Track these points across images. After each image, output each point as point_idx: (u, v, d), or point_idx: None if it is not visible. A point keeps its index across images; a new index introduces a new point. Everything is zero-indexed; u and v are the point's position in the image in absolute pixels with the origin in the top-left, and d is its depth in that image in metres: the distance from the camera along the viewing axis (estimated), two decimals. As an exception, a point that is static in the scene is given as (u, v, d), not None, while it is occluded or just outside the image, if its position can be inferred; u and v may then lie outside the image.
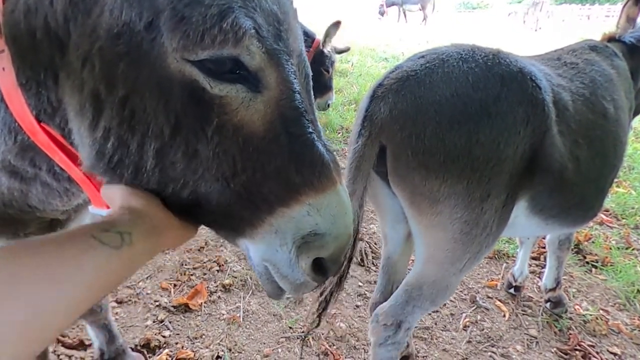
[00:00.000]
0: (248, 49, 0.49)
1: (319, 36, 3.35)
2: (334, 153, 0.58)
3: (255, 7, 0.50)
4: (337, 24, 3.27)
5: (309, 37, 3.36)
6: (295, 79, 0.54)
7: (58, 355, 1.53)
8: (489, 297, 2.05)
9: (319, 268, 0.56)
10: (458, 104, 1.03)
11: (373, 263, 2.22)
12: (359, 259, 2.23)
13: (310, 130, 0.54)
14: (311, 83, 0.61)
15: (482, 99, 1.04)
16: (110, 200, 0.55)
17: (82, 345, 1.59)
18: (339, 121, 4.27)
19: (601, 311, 1.99)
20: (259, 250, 0.56)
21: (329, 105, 3.61)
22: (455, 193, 1.05)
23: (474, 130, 1.02)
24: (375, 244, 2.36)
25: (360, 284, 2.07)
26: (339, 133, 4.10)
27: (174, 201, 0.56)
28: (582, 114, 1.24)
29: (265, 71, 0.52)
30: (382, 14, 18.10)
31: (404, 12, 17.60)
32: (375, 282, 2.09)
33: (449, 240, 1.11)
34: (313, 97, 0.61)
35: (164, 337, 1.65)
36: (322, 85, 3.49)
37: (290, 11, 0.56)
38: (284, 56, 0.53)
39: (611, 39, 1.60)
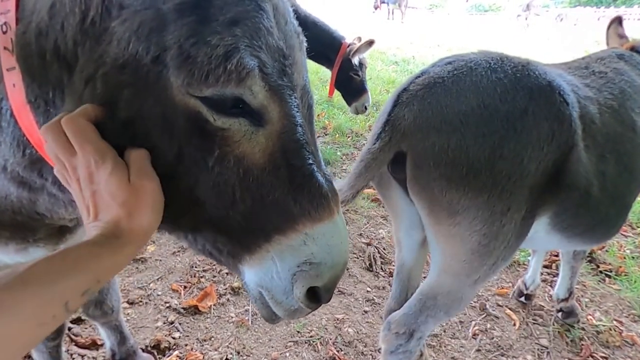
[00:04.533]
0: (250, 89, 0.50)
1: (347, 40, 3.35)
2: (333, 182, 0.59)
3: (261, 45, 0.50)
4: (370, 43, 3.31)
5: (336, 40, 3.33)
6: (298, 112, 0.55)
7: (71, 355, 1.56)
8: (499, 305, 2.03)
9: (313, 296, 0.57)
10: (484, 115, 1.01)
11: (382, 268, 2.22)
12: (367, 264, 2.23)
13: (311, 161, 0.55)
14: (314, 114, 0.62)
15: (509, 112, 1.01)
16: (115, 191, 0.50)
17: (94, 345, 1.62)
18: (348, 125, 4.28)
19: (615, 322, 1.95)
20: (255, 276, 0.57)
21: (366, 108, 3.56)
22: (475, 206, 1.03)
23: (499, 145, 1.00)
24: (384, 249, 2.35)
25: (368, 289, 2.07)
26: (349, 137, 4.11)
27: (173, 226, 0.58)
28: (610, 126, 1.20)
29: (267, 107, 0.53)
30: (376, 7, 19.15)
31: (392, 10, 18.83)
32: (384, 287, 2.08)
33: (466, 251, 1.09)
34: (315, 126, 0.62)
35: (174, 338, 1.67)
36: (355, 89, 3.45)
37: (296, 44, 0.57)
38: (287, 91, 0.54)
39: (632, 48, 1.56)
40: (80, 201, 0.53)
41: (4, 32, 0.54)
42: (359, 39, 3.43)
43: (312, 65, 3.82)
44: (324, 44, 3.31)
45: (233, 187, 0.53)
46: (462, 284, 1.17)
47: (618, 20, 1.72)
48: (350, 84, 3.44)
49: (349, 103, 3.60)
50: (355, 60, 3.34)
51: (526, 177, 1.02)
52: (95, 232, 0.49)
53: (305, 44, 0.61)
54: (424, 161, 1.05)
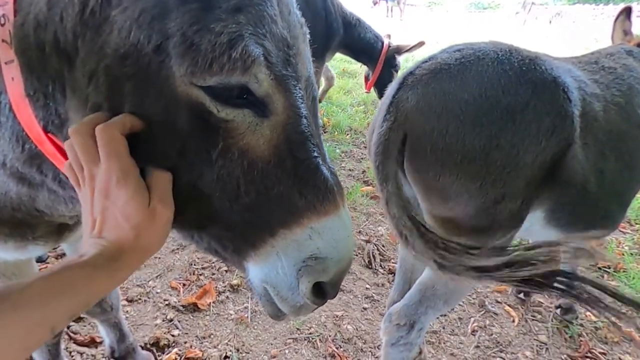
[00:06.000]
0: (256, 76, 0.49)
1: (387, 39, 3.73)
2: (338, 176, 0.58)
3: (265, 34, 0.49)
4: (421, 44, 3.72)
5: (378, 39, 3.69)
6: (302, 103, 0.54)
7: (70, 352, 1.56)
8: (498, 301, 2.03)
9: (319, 291, 0.56)
10: (485, 105, 1.02)
11: (381, 266, 2.22)
12: (366, 262, 2.23)
13: (316, 154, 0.54)
14: (318, 106, 0.61)
15: (510, 104, 1.03)
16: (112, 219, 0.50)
17: (93, 343, 1.62)
18: (347, 122, 4.27)
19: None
20: (260, 272, 0.56)
21: None
22: (467, 192, 1.04)
23: (496, 135, 1.01)
24: (383, 246, 2.36)
25: (367, 286, 2.07)
26: (348, 134, 4.10)
27: (178, 222, 0.57)
28: (614, 124, 1.20)
29: (272, 97, 0.52)
30: (374, 3, 19.38)
31: (391, 8, 18.97)
32: (383, 284, 2.08)
33: (461, 236, 1.10)
34: (319, 119, 0.61)
35: (173, 336, 1.67)
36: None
37: (300, 35, 0.56)
38: (292, 81, 0.53)
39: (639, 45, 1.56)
40: (88, 211, 0.52)
41: (2, 25, 0.53)
42: (389, 36, 3.79)
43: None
44: (367, 42, 3.66)
45: (237, 180, 0.52)
46: None
47: (626, 12, 1.66)
48: (390, 79, 3.70)
49: (382, 97, 3.80)
50: (400, 59, 3.73)
51: (522, 168, 1.03)
52: (94, 250, 0.48)
53: (308, 36, 0.60)
54: (421, 144, 1.06)
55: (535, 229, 1.25)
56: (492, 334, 1.83)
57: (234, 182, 0.52)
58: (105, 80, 0.49)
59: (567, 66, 1.24)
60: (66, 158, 0.57)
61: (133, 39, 0.47)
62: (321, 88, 4.41)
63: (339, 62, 6.72)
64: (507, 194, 1.05)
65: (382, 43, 3.63)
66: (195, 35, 0.46)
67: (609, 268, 2.30)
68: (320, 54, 3.63)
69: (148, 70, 0.48)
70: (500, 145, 1.01)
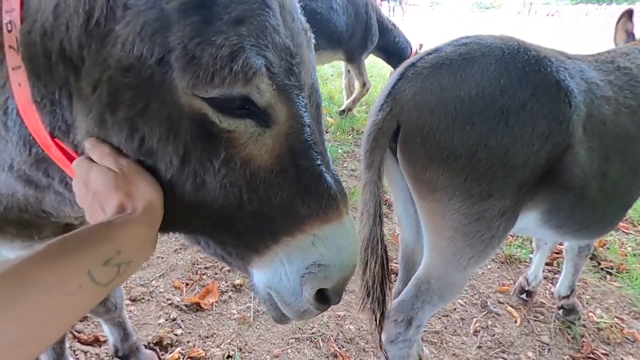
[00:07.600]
0: (258, 87, 0.49)
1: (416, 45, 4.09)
2: (342, 183, 0.58)
3: (267, 44, 0.49)
4: None
5: (408, 44, 4.04)
6: (305, 112, 0.54)
7: (74, 351, 1.57)
8: (500, 302, 2.03)
9: (322, 297, 0.56)
10: (480, 104, 1.02)
11: (383, 266, 2.22)
12: (369, 262, 2.23)
13: (319, 162, 0.55)
14: (322, 113, 0.62)
15: (506, 105, 1.02)
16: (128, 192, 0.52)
17: (97, 342, 1.63)
18: (349, 123, 4.27)
19: (616, 319, 1.95)
20: (263, 277, 0.57)
21: None
22: (452, 185, 1.06)
23: (485, 135, 1.02)
24: (385, 246, 2.35)
25: (370, 286, 2.07)
26: (350, 135, 4.10)
27: (183, 229, 0.57)
28: (623, 127, 1.19)
29: (275, 107, 0.52)
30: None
31: (393, 8, 19.08)
32: (385, 285, 2.09)
33: (449, 229, 1.11)
34: (323, 125, 0.61)
35: (176, 335, 1.68)
36: None
37: (304, 43, 0.56)
38: (294, 90, 0.53)
39: None
40: (91, 211, 0.55)
41: (9, 31, 0.53)
42: (421, 46, 4.13)
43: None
44: (400, 47, 3.98)
45: (240, 189, 0.52)
46: (450, 267, 1.18)
47: (628, 14, 1.66)
48: None
49: None
50: None
51: (511, 169, 1.04)
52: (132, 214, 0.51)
53: (313, 41, 0.60)
54: (412, 137, 1.08)
55: (529, 227, 1.26)
56: (494, 335, 1.83)
57: (236, 191, 0.52)
58: (108, 90, 0.50)
59: (581, 66, 1.23)
60: (72, 162, 0.58)
61: (136, 52, 0.48)
62: (352, 96, 4.45)
63: (341, 62, 6.72)
64: (495, 192, 1.05)
65: (411, 48, 4.00)
66: (196, 48, 0.46)
67: (612, 269, 2.30)
68: (358, 56, 3.80)
69: (151, 82, 0.49)
70: (488, 145, 1.02)
